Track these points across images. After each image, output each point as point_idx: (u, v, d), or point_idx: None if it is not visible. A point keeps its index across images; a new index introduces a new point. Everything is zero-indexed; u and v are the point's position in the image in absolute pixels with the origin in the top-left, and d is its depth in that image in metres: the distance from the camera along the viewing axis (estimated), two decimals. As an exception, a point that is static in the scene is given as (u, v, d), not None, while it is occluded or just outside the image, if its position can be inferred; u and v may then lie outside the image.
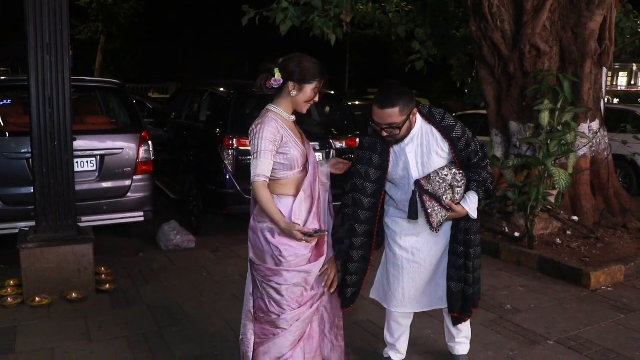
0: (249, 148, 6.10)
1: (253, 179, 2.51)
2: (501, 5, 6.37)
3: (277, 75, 2.52)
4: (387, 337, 3.35)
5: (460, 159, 2.89)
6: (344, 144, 6.69)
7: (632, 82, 56.13)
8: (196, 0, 30.37)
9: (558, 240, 5.82)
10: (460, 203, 2.89)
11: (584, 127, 6.41)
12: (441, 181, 2.81)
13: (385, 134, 2.79)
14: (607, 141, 6.77)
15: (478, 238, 3.07)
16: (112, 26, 25.34)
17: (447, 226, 3.04)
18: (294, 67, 2.53)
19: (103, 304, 4.25)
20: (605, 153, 6.71)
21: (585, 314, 4.33)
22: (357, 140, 6.89)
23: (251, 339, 2.75)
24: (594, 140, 6.53)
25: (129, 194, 5.65)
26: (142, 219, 5.76)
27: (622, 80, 56.55)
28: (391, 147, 2.90)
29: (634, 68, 55.59)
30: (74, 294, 4.28)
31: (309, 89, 2.55)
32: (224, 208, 6.06)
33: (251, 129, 2.57)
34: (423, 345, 3.68)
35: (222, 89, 6.77)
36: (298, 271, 2.61)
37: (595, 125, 6.57)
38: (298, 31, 7.57)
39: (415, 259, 3.04)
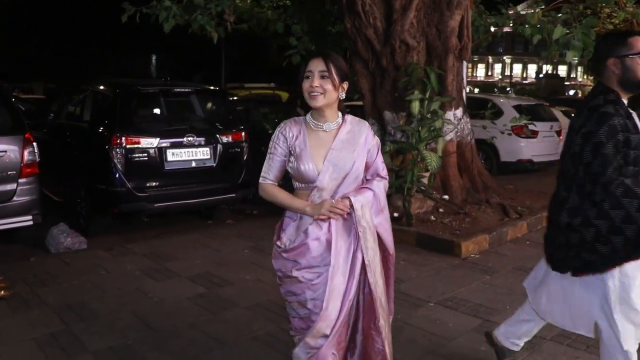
0: (137, 146, 6.12)
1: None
2: (373, 4, 6.89)
3: None
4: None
5: None
6: (230, 139, 6.85)
7: (489, 73, 61.02)
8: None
9: (432, 217, 6.46)
10: None
11: (449, 115, 7.11)
12: None
13: None
14: (469, 127, 7.57)
15: None
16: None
17: None
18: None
19: (0, 311, 4.16)
20: (469, 137, 7.49)
21: (458, 278, 4.93)
22: (243, 134, 7.08)
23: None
24: (459, 126, 7.27)
25: (14, 198, 5.46)
26: (30, 222, 5.59)
27: (481, 71, 61.34)
28: None
29: (490, 60, 60.44)
30: (-35, 304, 4.15)
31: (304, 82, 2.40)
32: (115, 207, 6.04)
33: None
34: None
35: (106, 87, 6.69)
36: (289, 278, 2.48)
37: (459, 112, 7.32)
38: (175, 27, 7.63)
39: None
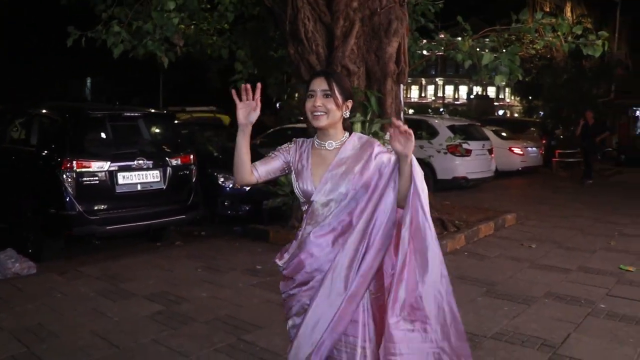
0: (88, 170, 6.16)
1: None
2: (315, 31, 7.24)
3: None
4: None
5: None
6: (179, 161, 7.00)
7: (423, 94, 63.07)
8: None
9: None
10: None
11: (389, 136, 7.50)
12: None
13: None
14: (408, 147, 7.98)
15: None
16: None
17: None
18: None
19: (-46, 337, 4.15)
20: (408, 157, 7.90)
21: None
22: (191, 157, 7.23)
23: None
24: (398, 146, 7.66)
25: (-38, 224, 5.43)
26: (-21, 248, 5.55)
27: (415, 93, 63.28)
28: None
29: (423, 82, 62.54)
30: None
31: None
32: (67, 230, 6.05)
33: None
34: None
35: (55, 112, 6.71)
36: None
37: (398, 133, 7.72)
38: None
39: None
